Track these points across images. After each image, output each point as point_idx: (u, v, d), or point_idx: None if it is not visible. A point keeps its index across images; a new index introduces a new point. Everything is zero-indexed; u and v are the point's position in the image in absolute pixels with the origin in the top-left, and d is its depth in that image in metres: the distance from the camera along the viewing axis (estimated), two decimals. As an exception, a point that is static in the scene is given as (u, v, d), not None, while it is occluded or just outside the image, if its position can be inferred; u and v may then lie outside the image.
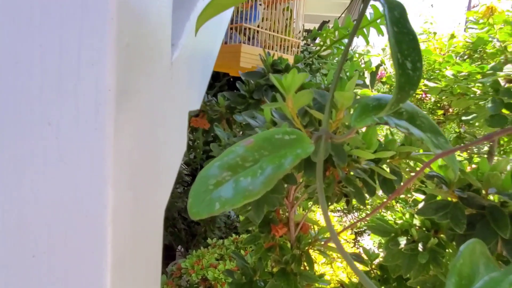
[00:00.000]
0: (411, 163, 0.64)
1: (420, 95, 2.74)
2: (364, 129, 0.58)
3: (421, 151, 0.65)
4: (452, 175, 0.54)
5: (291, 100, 0.47)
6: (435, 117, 2.88)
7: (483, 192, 0.54)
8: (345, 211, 3.10)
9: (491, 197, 0.55)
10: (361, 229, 2.60)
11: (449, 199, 0.57)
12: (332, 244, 0.86)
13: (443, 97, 2.20)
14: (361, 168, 0.59)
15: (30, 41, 0.32)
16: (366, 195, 0.62)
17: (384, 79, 3.11)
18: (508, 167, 0.53)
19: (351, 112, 0.44)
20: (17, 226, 0.34)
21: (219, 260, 1.84)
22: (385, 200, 0.55)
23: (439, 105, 2.75)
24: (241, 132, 1.04)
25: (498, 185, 0.52)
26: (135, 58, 0.36)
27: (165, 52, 0.44)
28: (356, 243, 2.14)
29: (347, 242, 1.93)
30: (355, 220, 2.88)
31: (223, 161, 0.34)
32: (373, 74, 2.27)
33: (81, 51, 0.32)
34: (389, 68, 3.17)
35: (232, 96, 0.89)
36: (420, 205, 0.61)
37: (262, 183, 0.32)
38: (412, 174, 0.68)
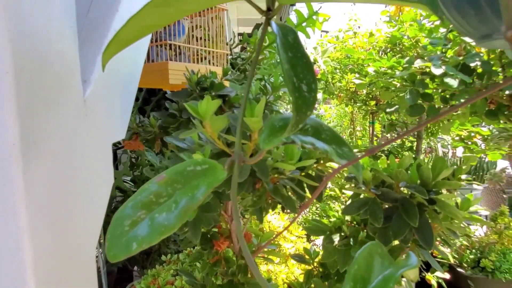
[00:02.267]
0: (335, 165, 0.69)
1: (352, 88, 2.90)
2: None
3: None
4: (368, 175, 0.59)
5: (209, 125, 0.49)
6: (369, 108, 3.06)
7: (395, 186, 0.60)
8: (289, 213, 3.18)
9: (403, 190, 0.61)
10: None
11: (368, 195, 0.62)
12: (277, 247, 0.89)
13: (374, 89, 2.34)
14: (288, 177, 0.63)
15: None
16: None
17: (318, 76, 3.24)
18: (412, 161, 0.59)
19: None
20: None
21: (176, 275, 1.81)
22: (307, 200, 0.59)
23: (371, 96, 2.92)
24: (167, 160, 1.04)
25: (406, 179, 0.58)
26: (39, 105, 0.36)
27: (76, 91, 0.44)
28: (309, 238, 2.22)
29: (300, 237, 1.99)
30: (296, 218, 2.98)
31: (136, 200, 0.35)
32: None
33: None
34: (322, 66, 3.30)
35: (162, 116, 0.89)
36: (347, 203, 0.67)
37: (177, 216, 0.34)
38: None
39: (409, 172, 0.58)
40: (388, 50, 2.09)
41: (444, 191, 0.61)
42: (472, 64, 1.24)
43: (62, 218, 0.41)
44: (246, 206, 0.68)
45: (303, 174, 0.64)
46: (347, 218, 0.78)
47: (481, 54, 1.32)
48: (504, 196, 2.63)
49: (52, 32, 0.39)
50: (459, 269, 2.25)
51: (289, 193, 0.64)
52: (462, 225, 0.64)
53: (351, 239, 0.72)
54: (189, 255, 1.96)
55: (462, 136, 1.78)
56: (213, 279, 0.82)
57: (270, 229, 1.62)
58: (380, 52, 2.15)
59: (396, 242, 0.71)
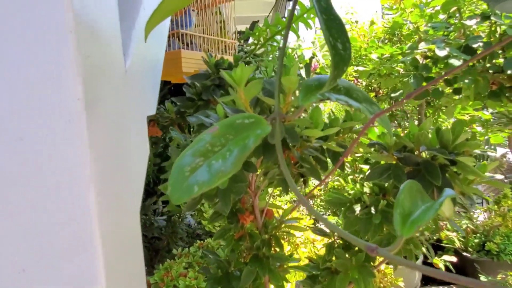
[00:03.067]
0: (355, 136, 0.71)
1: (352, 81, 2.93)
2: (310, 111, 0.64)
3: (360, 125, 0.73)
4: (390, 139, 0.62)
5: (242, 92, 0.52)
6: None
7: (416, 151, 0.63)
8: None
9: (423, 154, 0.64)
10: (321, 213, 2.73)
11: (390, 162, 0.65)
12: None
13: (373, 80, 2.38)
14: (313, 147, 0.65)
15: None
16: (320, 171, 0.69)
17: (318, 70, 3.28)
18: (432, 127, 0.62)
19: (297, 94, 0.49)
20: (3, 240, 0.35)
21: (188, 268, 1.84)
22: (332, 168, 0.62)
23: (370, 88, 2.96)
24: (193, 136, 1.06)
25: (427, 142, 0.61)
26: (95, 68, 0.39)
27: (119, 61, 0.46)
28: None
29: (309, 227, 2.02)
30: (312, 205, 3.00)
31: (194, 149, 0.37)
32: (308, 66, 2.40)
33: (46, 64, 0.34)
34: (321, 59, 3.34)
35: (180, 100, 0.91)
36: (367, 173, 0.69)
37: (232, 163, 0.37)
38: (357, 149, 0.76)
39: (429, 136, 0.61)
40: (386, 41, 2.13)
41: (462, 157, 0.63)
42: (474, 46, 1.28)
43: (116, 177, 0.43)
44: (271, 178, 0.71)
45: (325, 145, 0.67)
46: (366, 190, 0.81)
47: (483, 36, 1.36)
48: (505, 181, 2.67)
49: (102, 4, 0.42)
50: (464, 253, 2.29)
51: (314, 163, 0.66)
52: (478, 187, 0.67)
53: (372, 208, 0.75)
54: (199, 248, 1.98)
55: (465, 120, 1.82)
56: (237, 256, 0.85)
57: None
58: (379, 43, 2.19)
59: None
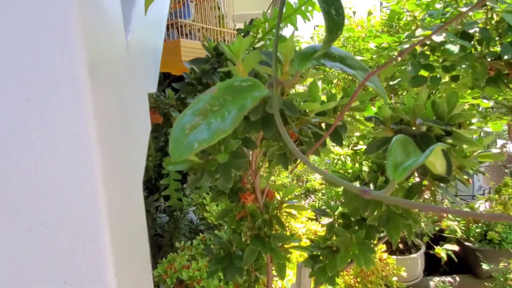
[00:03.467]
0: (353, 113, 0.73)
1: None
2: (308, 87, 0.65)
3: (358, 102, 0.74)
4: (386, 112, 0.63)
5: (241, 64, 0.53)
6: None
7: (413, 123, 0.64)
8: (303, 196, 3.23)
9: (420, 128, 0.65)
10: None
11: (387, 135, 0.66)
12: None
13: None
14: (311, 123, 0.66)
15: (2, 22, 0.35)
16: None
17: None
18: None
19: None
20: (12, 199, 0.37)
21: (191, 260, 1.85)
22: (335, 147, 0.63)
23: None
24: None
25: (423, 114, 0.62)
26: (97, 33, 0.40)
27: (120, 32, 0.48)
28: (317, 220, 2.26)
29: (310, 219, 2.03)
30: (312, 201, 3.01)
31: (194, 108, 0.39)
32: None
33: (51, 27, 0.35)
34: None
35: (181, 86, 0.92)
36: (365, 148, 0.71)
37: (231, 122, 0.38)
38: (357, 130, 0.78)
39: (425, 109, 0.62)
40: (384, 32, 2.14)
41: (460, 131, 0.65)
42: (471, 31, 1.29)
43: (119, 145, 0.45)
44: (271, 156, 0.72)
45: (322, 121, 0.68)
46: (365, 168, 0.82)
47: (479, 22, 1.37)
48: (506, 171, 2.67)
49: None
50: (466, 243, 2.30)
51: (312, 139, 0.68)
52: (475, 160, 0.68)
53: (371, 185, 0.76)
54: (202, 241, 2.00)
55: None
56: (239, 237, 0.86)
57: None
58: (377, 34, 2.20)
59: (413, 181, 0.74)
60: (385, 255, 1.86)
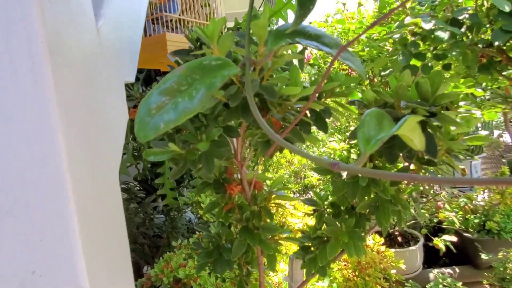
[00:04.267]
0: (339, 99, 0.71)
1: (346, 70, 2.93)
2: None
3: (344, 88, 0.72)
4: (370, 95, 0.62)
5: (216, 47, 0.52)
6: (363, 87, 3.11)
7: (397, 106, 0.63)
8: (301, 192, 3.23)
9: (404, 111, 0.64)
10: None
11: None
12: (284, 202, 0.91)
13: (366, 67, 2.37)
14: (295, 109, 0.65)
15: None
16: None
17: (311, 61, 3.27)
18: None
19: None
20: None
21: (187, 259, 1.84)
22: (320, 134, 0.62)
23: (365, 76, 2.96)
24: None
25: (407, 96, 0.61)
26: (60, 14, 0.39)
27: (89, 16, 0.46)
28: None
29: (307, 214, 2.01)
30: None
31: (160, 88, 0.38)
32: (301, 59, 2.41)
33: (8, 6, 0.34)
34: (314, 50, 3.34)
35: (165, 79, 0.91)
36: (350, 133, 0.69)
37: (199, 100, 0.37)
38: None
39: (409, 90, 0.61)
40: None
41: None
42: (460, 17, 1.28)
43: (88, 128, 0.43)
44: (255, 145, 0.70)
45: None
46: (353, 156, 0.81)
47: (469, 9, 1.35)
48: (503, 160, 2.66)
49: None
50: (465, 234, 2.28)
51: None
52: (463, 143, 0.67)
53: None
54: (198, 239, 1.98)
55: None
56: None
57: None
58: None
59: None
60: (382, 248, 1.85)
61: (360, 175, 0.74)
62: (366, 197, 0.75)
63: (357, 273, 1.80)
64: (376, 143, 0.31)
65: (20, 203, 0.37)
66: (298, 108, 0.66)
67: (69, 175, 0.37)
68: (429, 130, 0.62)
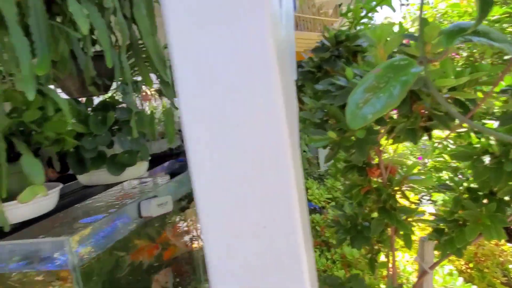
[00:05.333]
0: (481, 88, 0.74)
1: (451, 55, 2.78)
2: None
3: (485, 78, 0.75)
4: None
5: (382, 48, 0.60)
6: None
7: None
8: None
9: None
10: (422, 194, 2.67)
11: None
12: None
13: (474, 50, 2.25)
14: (442, 98, 0.70)
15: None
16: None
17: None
18: None
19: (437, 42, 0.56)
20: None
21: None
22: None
23: (471, 59, 2.78)
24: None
25: None
26: (274, 26, 0.50)
27: (281, 28, 0.58)
28: (420, 203, 2.21)
29: (413, 203, 2.00)
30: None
31: (363, 86, 0.47)
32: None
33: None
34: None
35: (301, 74, 1.02)
36: (499, 122, 0.72)
37: (397, 95, 0.45)
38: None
39: None
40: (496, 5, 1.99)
41: None
42: None
43: (292, 128, 0.55)
44: (399, 132, 0.77)
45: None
46: (492, 142, 0.83)
47: None
48: None
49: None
50: None
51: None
52: None
53: (502, 158, 0.77)
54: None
55: None
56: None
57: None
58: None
59: None
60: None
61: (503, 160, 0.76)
62: (510, 183, 0.76)
63: (471, 265, 1.75)
64: None
65: (257, 173, 0.49)
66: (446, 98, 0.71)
67: (291, 162, 0.49)
68: None
